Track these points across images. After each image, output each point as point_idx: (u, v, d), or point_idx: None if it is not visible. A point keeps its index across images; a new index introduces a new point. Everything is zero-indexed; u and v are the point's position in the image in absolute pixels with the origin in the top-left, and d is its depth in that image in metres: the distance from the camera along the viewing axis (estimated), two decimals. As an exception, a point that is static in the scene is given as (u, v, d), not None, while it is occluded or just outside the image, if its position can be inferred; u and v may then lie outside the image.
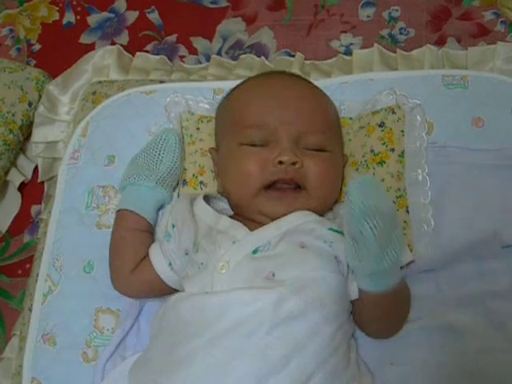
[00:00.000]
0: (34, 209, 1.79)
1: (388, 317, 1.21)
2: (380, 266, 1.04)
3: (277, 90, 1.30)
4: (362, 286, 1.13)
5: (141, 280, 1.28)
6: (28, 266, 1.66)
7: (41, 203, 1.73)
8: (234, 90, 1.41)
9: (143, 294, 1.32)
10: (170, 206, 1.37)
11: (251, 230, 1.19)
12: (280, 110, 1.25)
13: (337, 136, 1.35)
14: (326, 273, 1.14)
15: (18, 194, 1.81)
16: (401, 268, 1.18)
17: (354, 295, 1.17)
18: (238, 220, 1.23)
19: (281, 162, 1.20)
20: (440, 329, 1.23)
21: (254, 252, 1.16)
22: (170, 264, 1.26)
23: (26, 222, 1.78)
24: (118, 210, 1.35)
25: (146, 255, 1.30)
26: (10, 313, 1.64)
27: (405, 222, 1.32)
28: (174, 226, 1.28)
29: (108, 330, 1.34)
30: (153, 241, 1.34)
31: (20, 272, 1.70)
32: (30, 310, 1.41)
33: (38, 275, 1.43)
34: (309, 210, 1.22)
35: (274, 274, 1.12)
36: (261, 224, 1.21)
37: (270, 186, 1.23)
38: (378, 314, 1.18)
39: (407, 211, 1.33)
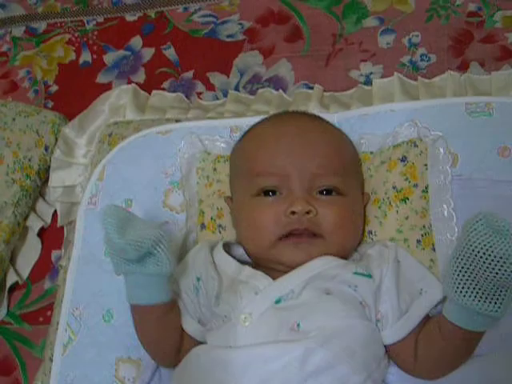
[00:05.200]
0: (54, 254, 1.75)
1: (460, 355, 1.14)
2: (495, 307, 0.98)
3: (287, 135, 1.26)
4: (455, 320, 1.05)
5: (185, 353, 1.20)
6: (49, 313, 1.62)
7: (61, 248, 1.70)
8: (245, 134, 1.37)
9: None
10: (189, 256, 1.31)
11: (274, 278, 1.16)
12: (291, 156, 1.21)
13: (354, 177, 1.31)
14: (353, 320, 1.10)
15: (38, 240, 1.78)
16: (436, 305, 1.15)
17: (391, 339, 1.13)
18: (259, 269, 1.19)
19: (293, 212, 1.16)
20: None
21: (277, 302, 1.12)
22: (200, 321, 1.23)
23: (46, 267, 1.74)
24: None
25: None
26: (32, 361, 1.60)
27: (431, 260, 1.26)
28: (198, 280, 1.24)
29: (129, 380, 1.30)
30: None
31: (41, 319, 1.66)
32: (51, 359, 1.37)
33: (57, 324, 1.40)
34: (329, 255, 1.18)
35: (299, 325, 1.08)
36: (283, 272, 1.17)
37: (285, 237, 1.19)
38: (453, 350, 1.11)
39: (433, 249, 1.27)
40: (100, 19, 2.11)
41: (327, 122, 1.36)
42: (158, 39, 2.00)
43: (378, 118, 1.44)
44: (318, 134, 1.28)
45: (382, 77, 1.72)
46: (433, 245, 1.28)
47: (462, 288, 0.99)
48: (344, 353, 1.05)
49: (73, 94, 1.98)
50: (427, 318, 1.15)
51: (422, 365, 1.14)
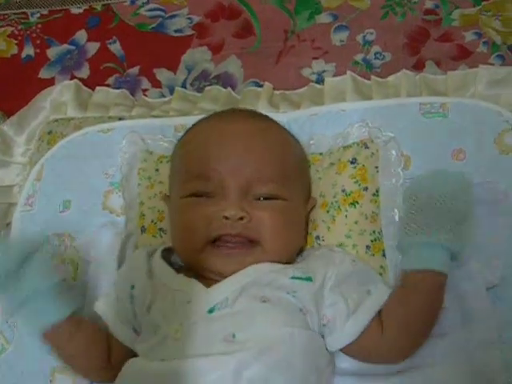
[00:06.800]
0: (-11, 258, 1.66)
1: (420, 320, 1.09)
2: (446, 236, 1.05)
3: (227, 136, 1.20)
4: (407, 264, 1.09)
5: (119, 363, 1.13)
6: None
7: (-3, 252, 1.61)
8: (185, 133, 1.31)
9: None
10: (126, 263, 1.27)
11: (208, 287, 1.10)
12: (227, 159, 1.16)
13: (297, 181, 1.24)
14: (291, 329, 1.04)
15: (-27, 242, 1.68)
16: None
17: (342, 342, 1.09)
18: (194, 277, 1.13)
19: (226, 218, 1.11)
20: None
21: (211, 311, 1.06)
22: (135, 330, 1.17)
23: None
24: None
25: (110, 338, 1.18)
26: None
27: (381, 267, 1.22)
28: (133, 287, 1.18)
29: (65, 392, 1.22)
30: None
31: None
32: (-18, 369, 1.30)
33: (-10, 333, 1.33)
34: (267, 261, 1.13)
35: (233, 335, 1.02)
36: (217, 281, 1.11)
37: (216, 240, 1.13)
38: (413, 311, 1.08)
39: (384, 255, 1.23)
40: (44, 11, 2.02)
41: (273, 123, 1.30)
42: (103, 33, 1.93)
43: (329, 118, 1.39)
44: (260, 137, 1.21)
45: (335, 75, 1.65)
46: (383, 251, 1.23)
47: (416, 226, 1.06)
48: (280, 365, 1.00)
49: (13, 90, 1.88)
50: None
51: (389, 339, 1.09)
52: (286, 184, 1.18)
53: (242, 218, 1.11)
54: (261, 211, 1.13)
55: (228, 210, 1.11)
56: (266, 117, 1.32)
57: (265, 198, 1.16)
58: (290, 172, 1.22)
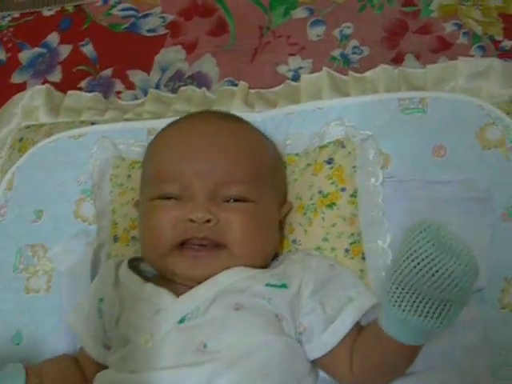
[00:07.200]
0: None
1: (394, 368, 1.05)
2: (437, 323, 0.89)
3: (192, 138, 1.17)
4: (391, 333, 0.95)
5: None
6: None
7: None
8: (156, 135, 1.28)
9: None
10: (97, 276, 1.24)
11: (179, 295, 1.07)
12: (194, 160, 1.13)
13: (268, 183, 1.20)
14: (267, 336, 1.02)
15: None
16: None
17: (319, 352, 1.05)
18: (163, 285, 1.10)
19: (193, 220, 1.08)
20: None
21: (181, 321, 1.03)
22: (105, 345, 1.14)
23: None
24: None
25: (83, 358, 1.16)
26: None
27: (361, 270, 1.18)
28: (101, 300, 1.16)
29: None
30: None
31: None
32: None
33: (-41, 349, 1.30)
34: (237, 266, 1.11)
35: (205, 345, 0.99)
36: (189, 288, 1.08)
37: (183, 244, 1.10)
38: (390, 362, 1.02)
39: (363, 258, 1.19)
40: (16, 14, 1.98)
41: (244, 123, 1.27)
42: (75, 35, 1.89)
43: (305, 116, 1.36)
44: (229, 137, 1.18)
45: (312, 71, 1.61)
46: (362, 253, 1.20)
47: (401, 302, 0.89)
48: (255, 374, 0.98)
49: (-15, 96, 1.84)
50: (360, 327, 1.07)
51: (358, 377, 1.05)
52: (256, 186, 1.15)
53: (208, 221, 1.08)
54: (229, 213, 1.10)
55: (194, 213, 1.08)
56: (238, 118, 1.29)
57: (234, 200, 1.13)
58: (262, 173, 1.18)
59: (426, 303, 0.88)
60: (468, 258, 0.84)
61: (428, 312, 0.89)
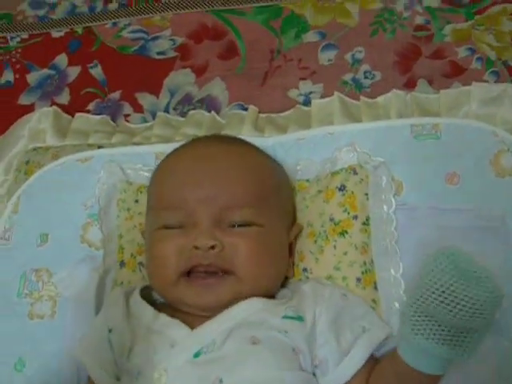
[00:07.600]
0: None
1: None
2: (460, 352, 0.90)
3: (194, 163, 1.16)
4: (412, 363, 0.95)
5: None
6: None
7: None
8: (161, 161, 1.26)
9: None
10: (104, 305, 1.23)
11: (193, 327, 1.05)
12: (197, 186, 1.11)
13: (275, 205, 1.18)
14: (283, 372, 1.00)
15: None
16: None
17: None
18: (177, 316, 1.08)
19: (197, 247, 1.06)
20: None
21: (196, 355, 1.01)
22: (117, 377, 1.11)
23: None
24: None
25: None
26: None
27: (373, 300, 1.15)
28: (110, 331, 1.13)
29: None
30: None
31: None
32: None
33: (-37, 375, 1.28)
34: (242, 295, 1.08)
35: (221, 380, 0.97)
36: (204, 319, 1.06)
37: (190, 273, 1.09)
38: None
39: (375, 287, 1.17)
40: (25, 35, 1.97)
41: (251, 147, 1.26)
42: (84, 57, 1.88)
43: (316, 142, 1.34)
44: (234, 161, 1.17)
45: (323, 96, 1.60)
46: (375, 283, 1.18)
47: (424, 330, 0.90)
48: None
49: (-7, 118, 1.84)
50: (374, 358, 1.06)
51: None
52: (262, 208, 1.13)
53: (213, 247, 1.07)
54: (234, 238, 1.09)
55: (198, 240, 1.07)
56: (241, 140, 1.28)
57: (239, 225, 1.11)
58: (267, 195, 1.16)
59: (449, 331, 0.89)
60: (492, 284, 0.85)
61: (451, 340, 0.89)
